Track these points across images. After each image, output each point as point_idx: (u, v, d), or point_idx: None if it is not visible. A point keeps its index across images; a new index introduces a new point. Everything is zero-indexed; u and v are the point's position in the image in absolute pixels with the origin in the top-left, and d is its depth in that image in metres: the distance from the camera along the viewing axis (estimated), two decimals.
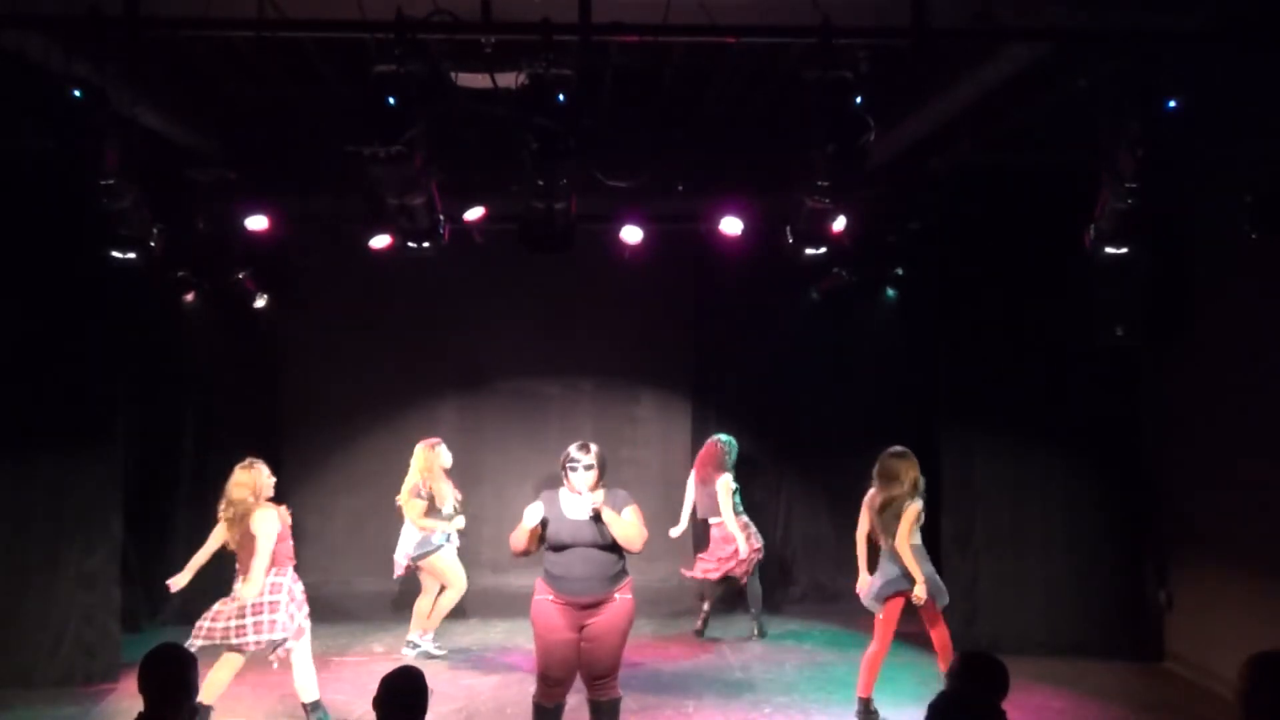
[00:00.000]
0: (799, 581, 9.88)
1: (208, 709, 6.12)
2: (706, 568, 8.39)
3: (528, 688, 6.92)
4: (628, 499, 5.43)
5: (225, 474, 6.39)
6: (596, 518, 5.25)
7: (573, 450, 5.39)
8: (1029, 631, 7.69)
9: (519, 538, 5.34)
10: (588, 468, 5.33)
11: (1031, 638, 7.61)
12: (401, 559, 7.92)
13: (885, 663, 6.66)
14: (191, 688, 3.59)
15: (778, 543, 9.85)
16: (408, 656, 7.79)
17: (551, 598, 5.35)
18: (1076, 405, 7.81)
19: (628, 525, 5.30)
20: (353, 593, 9.60)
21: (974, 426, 7.92)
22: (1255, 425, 6.64)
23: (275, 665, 6.33)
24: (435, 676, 7.20)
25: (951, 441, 7.93)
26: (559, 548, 5.33)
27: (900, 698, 6.69)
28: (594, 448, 5.40)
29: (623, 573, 5.41)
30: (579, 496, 5.32)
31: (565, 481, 5.40)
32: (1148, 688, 7.24)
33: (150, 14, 4.85)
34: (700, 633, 8.51)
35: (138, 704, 3.59)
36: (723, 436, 8.52)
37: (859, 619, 8.60)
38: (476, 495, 8.86)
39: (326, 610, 9.23)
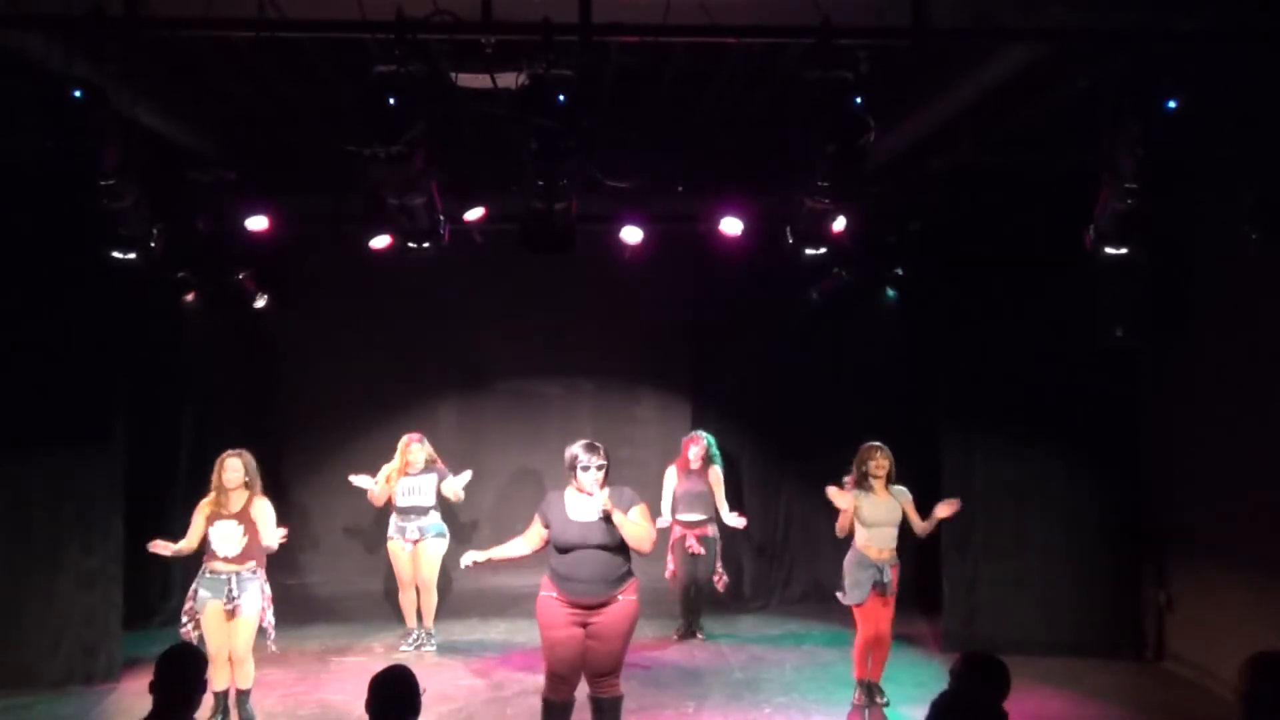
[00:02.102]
0: (799, 581, 9.87)
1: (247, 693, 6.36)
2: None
3: (528, 688, 6.95)
4: (634, 498, 5.45)
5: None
6: (607, 518, 5.27)
7: (581, 452, 5.40)
8: (1029, 631, 7.69)
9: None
10: (599, 468, 5.36)
11: (1031, 638, 7.61)
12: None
13: (886, 663, 6.74)
14: (201, 688, 3.59)
15: (778, 543, 9.85)
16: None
17: (555, 595, 5.37)
18: (1076, 405, 7.82)
19: (637, 526, 5.33)
20: (353, 593, 9.60)
21: (974, 427, 7.92)
22: (1255, 425, 6.64)
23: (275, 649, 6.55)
24: (436, 676, 7.26)
25: (951, 442, 7.93)
26: (565, 549, 5.35)
27: (900, 697, 6.69)
28: (601, 448, 5.43)
29: (628, 574, 5.43)
30: (588, 497, 5.35)
31: (574, 482, 5.42)
32: (1147, 688, 7.24)
33: (150, 14, 4.85)
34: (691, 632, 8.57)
35: (139, 703, 3.59)
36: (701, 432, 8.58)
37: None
38: (477, 495, 8.84)
39: (326, 610, 9.27)
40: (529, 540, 5.52)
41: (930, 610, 8.47)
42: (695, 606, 8.54)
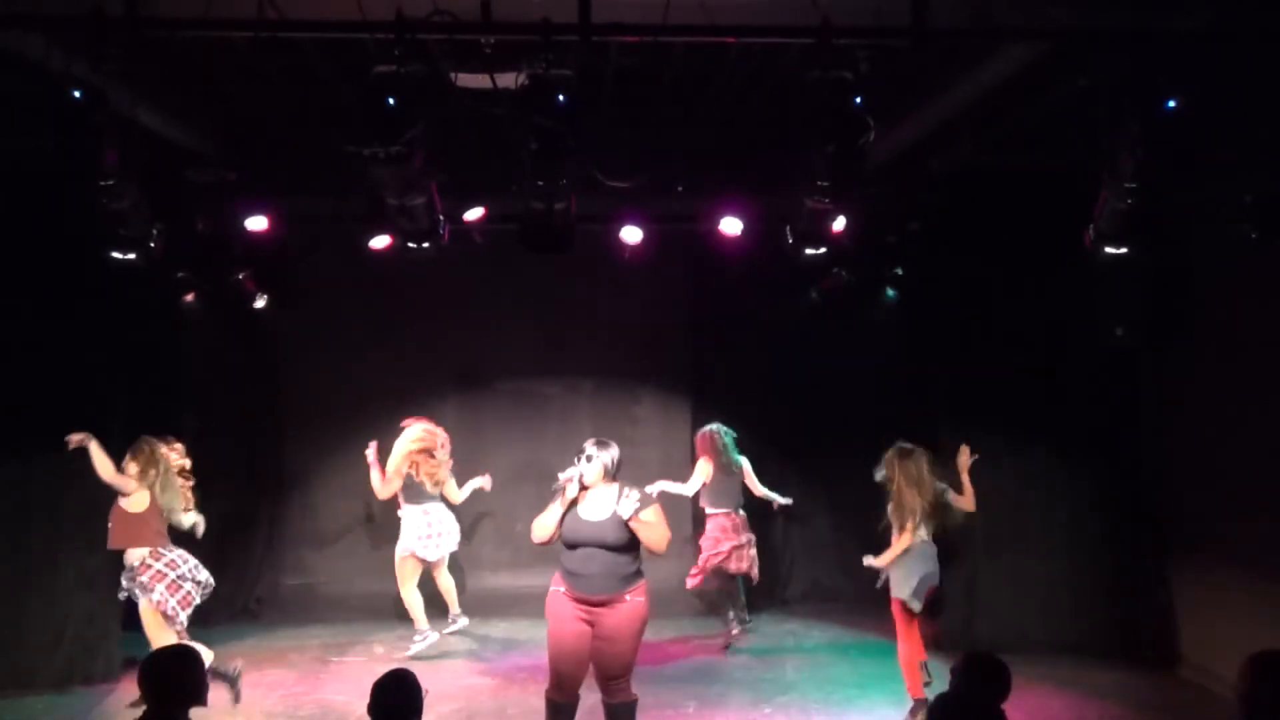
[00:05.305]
0: (799, 581, 9.87)
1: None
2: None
3: (528, 688, 6.96)
4: (650, 499, 5.43)
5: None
6: (628, 519, 5.25)
7: (588, 444, 5.46)
8: (1029, 631, 7.69)
9: (547, 524, 5.38)
10: (589, 459, 5.39)
11: (1031, 638, 7.61)
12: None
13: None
14: (199, 687, 3.58)
15: (778, 543, 9.85)
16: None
17: (564, 590, 5.38)
18: (1076, 405, 7.82)
19: (655, 529, 5.33)
20: (353, 593, 9.60)
21: (974, 426, 7.88)
22: (1255, 424, 6.64)
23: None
24: (436, 676, 7.26)
25: (951, 441, 7.91)
26: (574, 545, 5.36)
27: (900, 697, 6.69)
28: (612, 444, 5.47)
29: (637, 574, 5.42)
30: (606, 495, 5.35)
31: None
32: (1147, 688, 7.23)
33: (150, 14, 4.85)
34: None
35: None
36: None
37: (858, 619, 8.63)
38: (476, 494, 8.83)
39: (326, 610, 9.26)
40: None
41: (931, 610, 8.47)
42: (737, 596, 8.48)
